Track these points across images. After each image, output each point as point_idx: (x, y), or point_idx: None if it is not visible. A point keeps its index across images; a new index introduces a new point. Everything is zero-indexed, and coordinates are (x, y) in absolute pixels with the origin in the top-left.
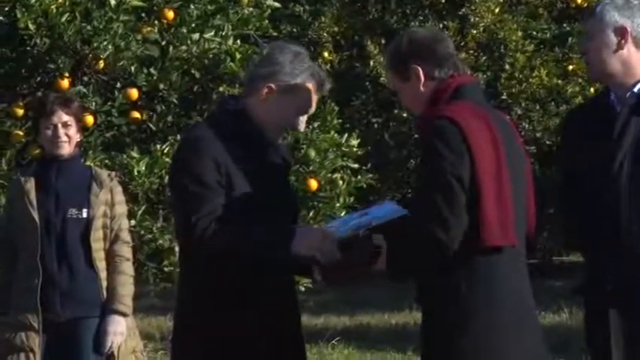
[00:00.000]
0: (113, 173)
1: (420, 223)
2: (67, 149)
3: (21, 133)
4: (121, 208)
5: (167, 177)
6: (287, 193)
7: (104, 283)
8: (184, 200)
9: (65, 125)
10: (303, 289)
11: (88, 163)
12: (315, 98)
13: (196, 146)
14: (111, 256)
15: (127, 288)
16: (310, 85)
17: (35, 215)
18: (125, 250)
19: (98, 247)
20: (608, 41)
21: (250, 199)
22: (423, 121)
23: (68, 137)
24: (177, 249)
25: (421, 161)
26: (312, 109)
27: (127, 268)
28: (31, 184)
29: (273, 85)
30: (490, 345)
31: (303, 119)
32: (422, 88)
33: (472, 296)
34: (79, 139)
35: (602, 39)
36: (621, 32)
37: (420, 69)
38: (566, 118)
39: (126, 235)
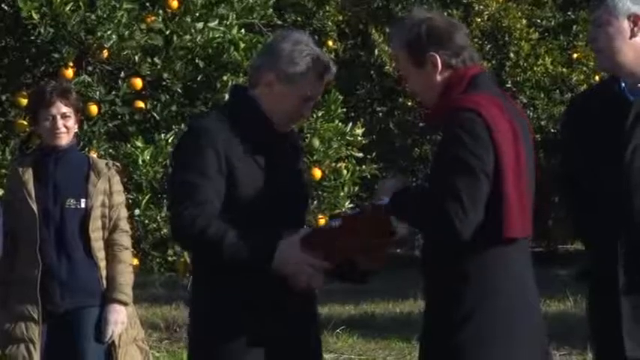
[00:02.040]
0: (111, 162)
1: (439, 202)
2: (65, 140)
3: (25, 122)
4: (120, 197)
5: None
6: (297, 181)
7: (104, 273)
8: (176, 187)
9: (64, 116)
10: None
11: (92, 152)
12: (318, 84)
13: (198, 135)
14: (110, 246)
15: (126, 277)
16: (311, 72)
17: (33, 206)
18: (124, 239)
19: (97, 236)
20: (621, 29)
21: (255, 188)
22: (442, 110)
23: (67, 128)
24: None
25: (442, 151)
26: (317, 96)
27: (127, 257)
28: (29, 175)
29: (273, 75)
30: (492, 334)
31: (310, 105)
32: (438, 77)
33: (480, 287)
34: (76, 130)
35: (615, 27)
36: (634, 19)
37: (437, 57)
38: (570, 105)
39: (125, 224)
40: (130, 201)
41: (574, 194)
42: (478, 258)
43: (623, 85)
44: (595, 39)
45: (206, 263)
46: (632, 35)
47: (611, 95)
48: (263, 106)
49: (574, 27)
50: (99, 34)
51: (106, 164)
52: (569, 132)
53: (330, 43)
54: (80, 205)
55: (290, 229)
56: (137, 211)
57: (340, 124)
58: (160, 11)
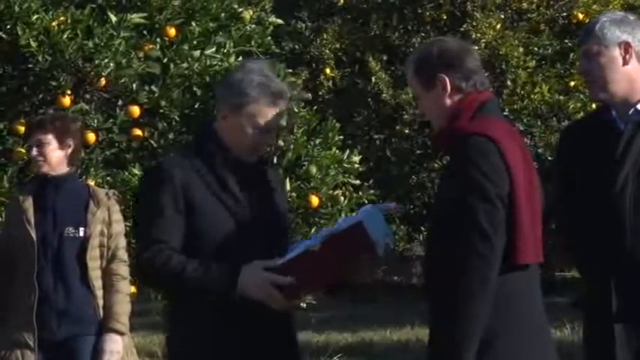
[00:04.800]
0: (111, 192)
1: (461, 241)
2: (44, 168)
3: (23, 150)
4: (119, 227)
5: None
6: (268, 210)
7: (100, 302)
8: (137, 228)
9: (38, 144)
10: (304, 305)
11: (89, 180)
12: (271, 113)
13: (154, 174)
14: (107, 275)
15: (123, 306)
16: (262, 101)
17: (33, 233)
18: (122, 269)
19: (94, 265)
20: (612, 58)
21: (221, 220)
22: (452, 135)
23: (42, 156)
24: None
25: (452, 176)
26: (275, 125)
27: (124, 286)
28: (29, 203)
29: (227, 107)
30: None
31: (271, 136)
32: (447, 100)
33: (498, 314)
34: (64, 156)
35: (607, 56)
36: (625, 47)
37: (447, 79)
38: (563, 134)
39: (123, 254)
40: (128, 229)
41: (567, 223)
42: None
43: (614, 113)
44: (587, 71)
45: (177, 295)
46: (625, 63)
47: (603, 124)
48: (225, 138)
49: (571, 55)
50: (96, 62)
51: (106, 193)
52: (562, 162)
53: (328, 70)
54: (79, 233)
55: (262, 259)
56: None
57: (337, 151)
58: (158, 39)
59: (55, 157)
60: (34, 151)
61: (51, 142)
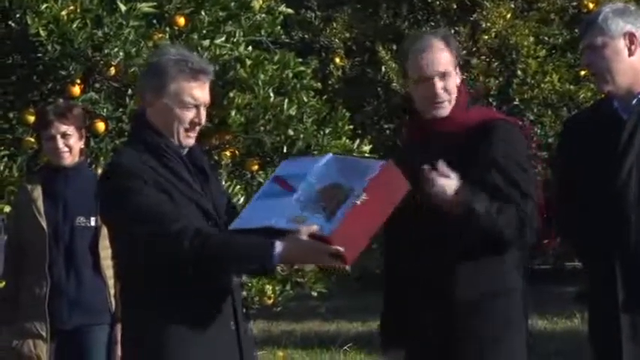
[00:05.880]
0: None
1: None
2: (68, 159)
3: (32, 139)
4: None
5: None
6: (218, 195)
7: (112, 291)
8: (150, 221)
9: (64, 136)
10: (315, 294)
11: (99, 169)
12: (197, 88)
13: (129, 171)
14: None
15: None
16: (181, 77)
17: (43, 223)
18: None
19: (106, 254)
20: (618, 49)
21: (188, 212)
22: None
23: (68, 147)
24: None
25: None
26: (204, 100)
27: None
28: (38, 192)
29: (150, 93)
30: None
31: (202, 112)
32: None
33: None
34: (82, 147)
35: (612, 48)
36: (630, 37)
37: None
38: (566, 125)
39: None
40: None
41: (571, 213)
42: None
43: (616, 104)
44: (592, 63)
45: (156, 292)
46: (630, 54)
47: (605, 115)
48: (159, 126)
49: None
50: (106, 51)
51: None
52: (565, 152)
53: (338, 60)
54: (90, 223)
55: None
56: None
57: (347, 141)
58: (167, 29)
59: (78, 147)
60: (61, 143)
61: (73, 133)
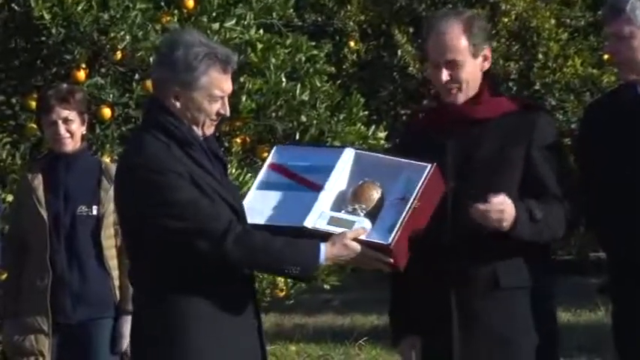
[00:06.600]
0: None
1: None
2: (70, 145)
3: (35, 126)
4: None
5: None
6: (234, 186)
7: (116, 283)
8: (190, 219)
9: (66, 121)
10: (328, 287)
11: (105, 156)
12: (225, 80)
13: (161, 164)
14: (123, 254)
15: None
16: (213, 71)
17: (44, 213)
18: None
19: (109, 244)
20: None
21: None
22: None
23: (70, 133)
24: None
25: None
26: (229, 91)
27: None
28: (38, 181)
29: (177, 86)
30: None
31: (225, 103)
32: None
33: None
34: (84, 132)
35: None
36: None
37: None
38: (587, 110)
39: None
40: None
41: (593, 200)
42: None
43: (639, 89)
44: (617, 51)
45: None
46: None
47: (628, 100)
48: (182, 117)
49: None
50: (112, 34)
51: None
52: (586, 138)
53: (352, 43)
54: (92, 212)
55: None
56: None
57: (362, 127)
58: (176, 11)
59: (80, 133)
60: (62, 129)
61: (75, 118)
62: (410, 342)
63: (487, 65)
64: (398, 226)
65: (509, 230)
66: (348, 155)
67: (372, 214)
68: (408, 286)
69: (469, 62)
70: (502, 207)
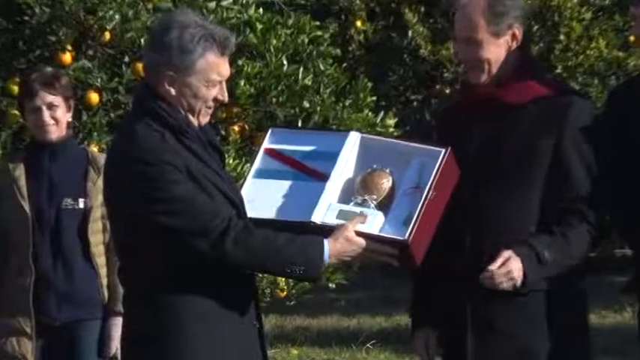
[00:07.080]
0: None
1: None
2: (55, 133)
3: (17, 112)
4: None
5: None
6: (230, 177)
7: (104, 281)
8: (189, 216)
9: (50, 107)
10: (333, 286)
11: (92, 145)
12: (222, 63)
13: (157, 156)
14: (111, 250)
15: None
16: (210, 54)
17: (26, 206)
18: None
19: (97, 240)
20: None
21: (218, 199)
22: None
23: (55, 120)
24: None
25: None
26: (227, 74)
27: None
28: (20, 171)
29: (171, 71)
30: None
31: (223, 88)
32: None
33: None
34: (69, 120)
35: None
36: None
37: None
38: (611, 97)
39: None
40: None
41: (616, 191)
42: None
43: None
44: None
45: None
46: None
47: None
48: (176, 104)
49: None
50: (100, 14)
51: None
52: (610, 126)
53: (359, 23)
54: (78, 205)
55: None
56: None
57: (370, 114)
58: None
59: (65, 121)
60: (46, 115)
61: (61, 104)
62: (423, 334)
63: (515, 45)
64: (415, 219)
65: (521, 287)
66: (354, 140)
67: (384, 205)
68: (429, 282)
69: (489, 41)
70: (508, 268)
